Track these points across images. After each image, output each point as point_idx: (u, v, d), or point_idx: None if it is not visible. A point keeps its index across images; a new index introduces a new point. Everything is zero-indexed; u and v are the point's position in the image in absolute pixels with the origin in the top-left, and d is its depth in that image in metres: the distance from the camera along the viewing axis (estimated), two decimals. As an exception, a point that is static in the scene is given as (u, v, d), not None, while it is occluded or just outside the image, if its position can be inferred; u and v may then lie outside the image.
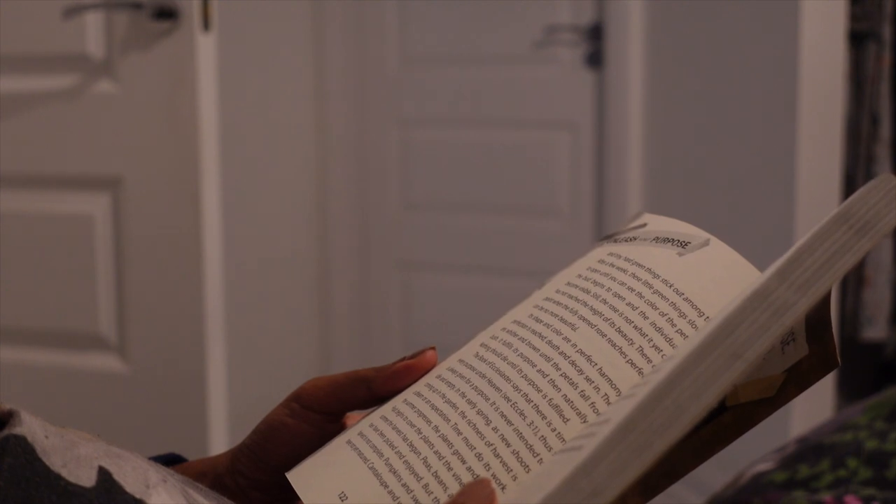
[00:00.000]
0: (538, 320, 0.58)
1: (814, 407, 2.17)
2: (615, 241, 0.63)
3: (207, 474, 0.60)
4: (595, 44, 2.78)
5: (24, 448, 0.42)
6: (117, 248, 2.09)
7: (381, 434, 0.55)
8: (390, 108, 3.09)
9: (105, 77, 2.05)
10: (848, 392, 2.76)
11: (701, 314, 0.56)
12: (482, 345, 0.58)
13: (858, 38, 2.69)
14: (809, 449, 1.17)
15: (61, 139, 2.09)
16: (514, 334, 0.58)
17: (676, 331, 0.56)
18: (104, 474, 0.44)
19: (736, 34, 2.31)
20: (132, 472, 0.45)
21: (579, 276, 0.60)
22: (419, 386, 0.58)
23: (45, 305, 2.15)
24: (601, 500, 0.39)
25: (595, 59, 2.78)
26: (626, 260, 0.60)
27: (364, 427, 0.57)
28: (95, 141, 2.07)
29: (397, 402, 0.57)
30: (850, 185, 2.67)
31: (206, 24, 1.96)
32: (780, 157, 2.18)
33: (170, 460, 0.62)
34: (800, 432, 1.32)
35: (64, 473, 0.42)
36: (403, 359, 0.59)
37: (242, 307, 2.63)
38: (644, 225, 0.63)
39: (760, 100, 2.24)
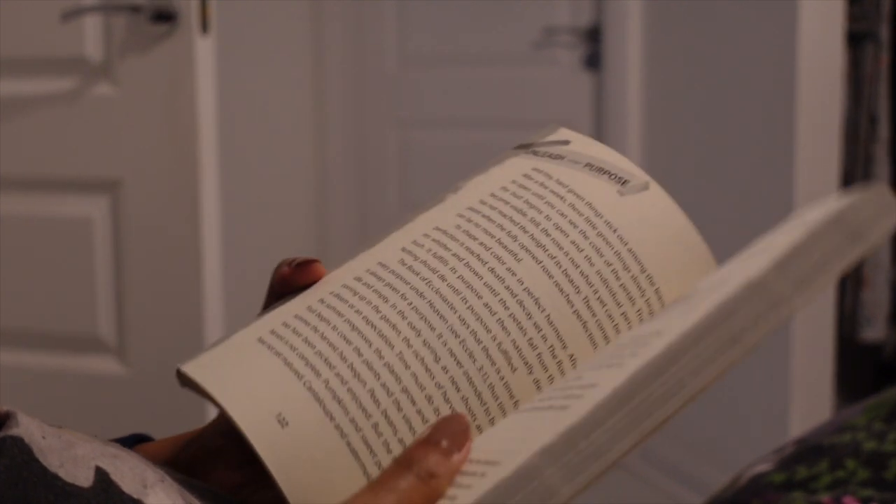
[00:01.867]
0: (471, 236, 0.53)
1: (812, 408, 2.17)
2: (535, 153, 0.58)
3: (192, 444, 0.57)
4: (593, 45, 2.78)
5: (21, 448, 0.42)
6: (116, 250, 2.09)
7: (308, 343, 0.49)
8: (389, 108, 3.09)
9: (104, 80, 2.05)
10: (846, 393, 2.76)
11: (643, 270, 0.53)
12: (405, 250, 0.53)
13: (856, 39, 2.69)
14: (808, 450, 1.17)
15: (60, 142, 2.09)
16: (445, 247, 0.53)
17: (620, 285, 0.52)
18: (101, 474, 0.43)
19: (734, 35, 2.31)
20: (129, 472, 0.45)
21: (504, 188, 0.55)
22: (334, 285, 0.52)
23: (43, 308, 2.15)
24: (601, 464, 0.39)
25: (593, 61, 2.78)
26: (560, 184, 0.55)
27: (277, 325, 0.51)
28: (94, 144, 2.07)
29: (311, 300, 0.52)
30: (848, 184, 2.67)
31: (205, 27, 1.96)
32: (778, 157, 2.18)
33: (136, 440, 0.61)
34: (798, 433, 1.32)
35: (61, 474, 0.42)
36: (290, 262, 0.54)
37: (241, 310, 2.63)
38: (567, 142, 0.58)
39: (759, 101, 2.24)
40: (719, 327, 0.41)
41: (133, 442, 0.59)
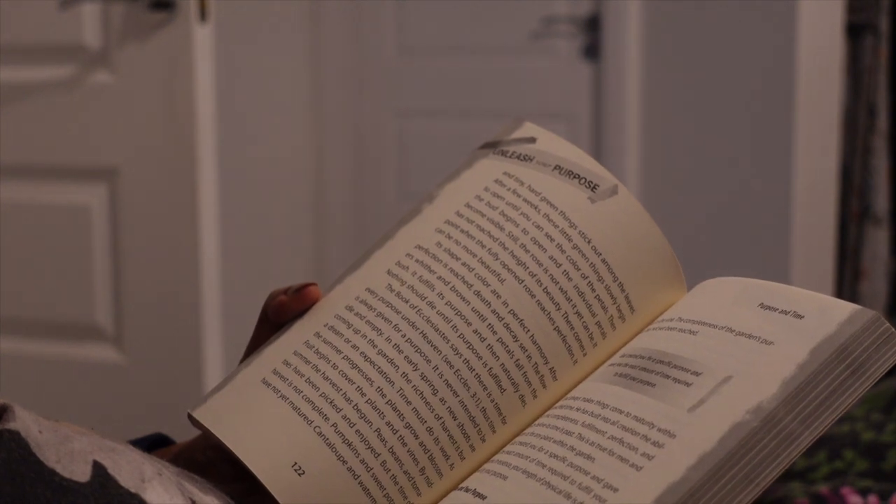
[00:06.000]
0: (453, 255, 0.55)
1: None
2: (504, 154, 0.60)
3: (182, 455, 0.59)
4: (592, 35, 2.78)
5: (18, 443, 0.41)
6: (114, 238, 2.09)
7: (312, 384, 0.51)
8: (387, 98, 3.09)
9: (102, 68, 2.04)
10: (844, 384, 2.76)
11: (615, 279, 0.55)
12: (391, 273, 0.55)
13: (856, 30, 2.68)
14: (806, 441, 1.17)
15: (58, 130, 2.08)
16: (430, 269, 0.54)
17: (595, 296, 0.54)
18: (99, 469, 0.43)
19: (734, 26, 2.31)
20: (127, 466, 0.45)
21: (479, 198, 0.57)
22: (328, 316, 0.54)
23: (41, 296, 2.15)
24: None
25: (592, 51, 2.78)
26: (533, 191, 0.56)
27: (278, 363, 0.53)
28: (92, 132, 2.06)
29: (308, 334, 0.54)
30: (846, 176, 2.67)
31: (203, 15, 1.96)
32: (777, 148, 2.18)
33: (155, 441, 0.61)
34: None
35: (58, 469, 0.42)
36: (286, 290, 0.55)
37: (239, 298, 2.63)
38: (534, 139, 0.59)
39: (758, 92, 2.24)
40: (735, 466, 0.46)
41: (150, 443, 0.60)
